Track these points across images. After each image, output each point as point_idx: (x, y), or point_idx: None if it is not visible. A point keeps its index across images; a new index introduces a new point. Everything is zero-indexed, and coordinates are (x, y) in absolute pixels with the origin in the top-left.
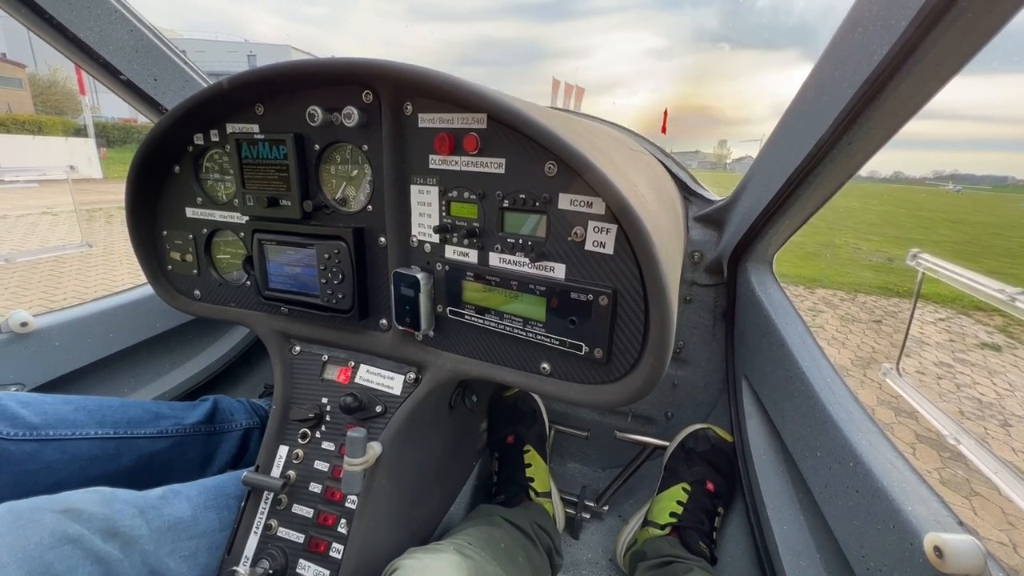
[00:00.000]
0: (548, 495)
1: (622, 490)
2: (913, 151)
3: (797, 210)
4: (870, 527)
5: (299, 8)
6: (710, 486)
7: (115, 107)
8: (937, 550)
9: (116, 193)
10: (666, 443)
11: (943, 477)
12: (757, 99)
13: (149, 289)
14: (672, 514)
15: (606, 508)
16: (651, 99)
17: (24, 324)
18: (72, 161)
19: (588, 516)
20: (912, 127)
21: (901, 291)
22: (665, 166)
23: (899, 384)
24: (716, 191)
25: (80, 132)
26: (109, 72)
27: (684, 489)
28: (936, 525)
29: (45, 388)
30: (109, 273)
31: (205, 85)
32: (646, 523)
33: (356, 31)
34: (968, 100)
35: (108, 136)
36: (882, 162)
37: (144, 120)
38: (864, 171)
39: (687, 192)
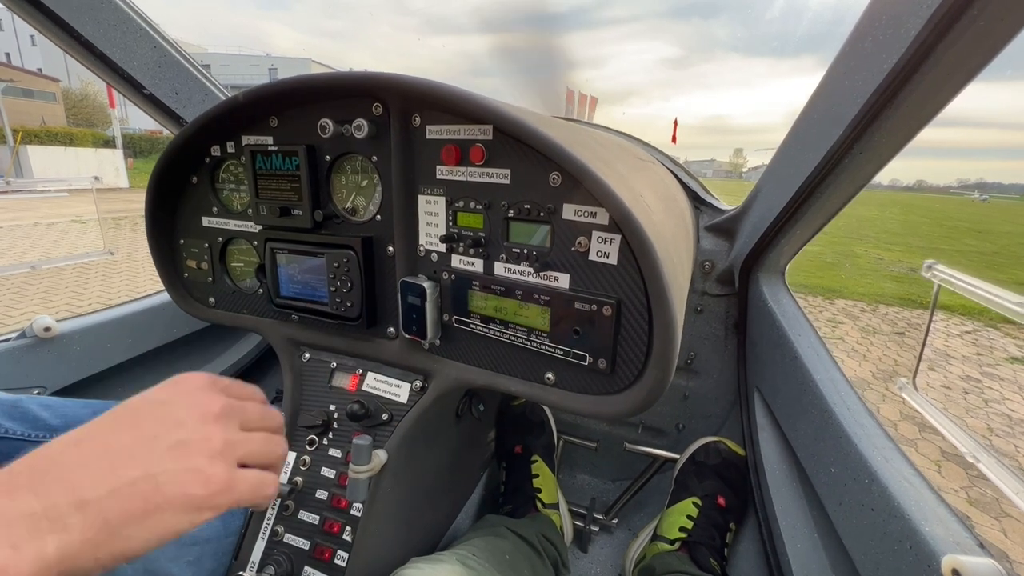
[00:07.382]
0: (556, 506)
1: (632, 503)
2: (936, 159)
3: (809, 220)
4: (886, 547)
5: (319, 23)
6: (721, 501)
7: (142, 119)
8: (956, 573)
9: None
10: (676, 456)
11: (971, 496)
12: (772, 107)
13: (166, 296)
14: (682, 529)
15: (615, 521)
16: (664, 108)
17: (47, 329)
18: (100, 171)
19: (597, 529)
20: (934, 134)
21: (924, 303)
22: (675, 175)
23: (915, 398)
24: (727, 200)
25: (109, 143)
26: (133, 87)
27: (694, 503)
28: (955, 547)
29: (66, 391)
30: (132, 279)
31: (223, 98)
32: (655, 537)
33: (373, 44)
34: (994, 107)
35: (135, 147)
36: (904, 170)
37: (169, 132)
38: (885, 179)
39: (698, 201)
